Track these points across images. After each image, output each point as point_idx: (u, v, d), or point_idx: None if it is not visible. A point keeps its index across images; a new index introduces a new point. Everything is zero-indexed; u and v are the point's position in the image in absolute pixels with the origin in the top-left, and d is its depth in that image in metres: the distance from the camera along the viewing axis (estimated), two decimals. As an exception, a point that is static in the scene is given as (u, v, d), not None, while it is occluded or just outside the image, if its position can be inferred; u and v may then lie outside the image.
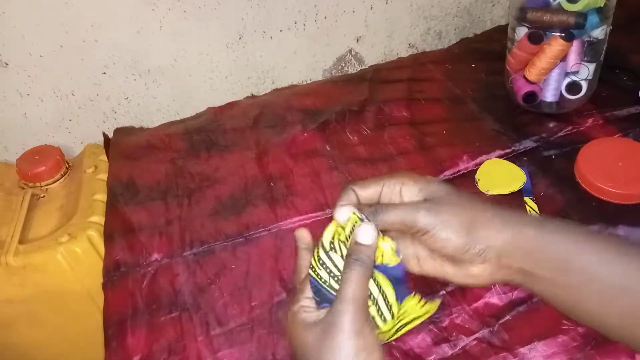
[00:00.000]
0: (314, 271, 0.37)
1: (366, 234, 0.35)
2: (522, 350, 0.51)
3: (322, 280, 0.36)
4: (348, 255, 0.36)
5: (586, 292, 0.34)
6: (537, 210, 0.64)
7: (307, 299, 0.37)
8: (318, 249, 0.38)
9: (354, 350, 0.32)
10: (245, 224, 0.67)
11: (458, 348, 0.52)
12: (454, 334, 0.53)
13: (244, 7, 0.87)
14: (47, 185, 0.82)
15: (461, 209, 0.36)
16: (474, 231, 0.35)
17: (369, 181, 0.39)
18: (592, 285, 0.33)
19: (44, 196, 0.81)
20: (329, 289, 0.36)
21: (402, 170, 0.37)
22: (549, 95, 0.76)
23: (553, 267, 0.34)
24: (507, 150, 0.73)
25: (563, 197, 0.66)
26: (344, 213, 0.37)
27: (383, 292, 0.36)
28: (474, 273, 0.36)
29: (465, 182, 0.70)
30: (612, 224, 0.61)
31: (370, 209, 0.37)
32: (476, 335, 0.53)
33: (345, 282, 0.34)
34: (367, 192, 0.38)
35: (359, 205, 0.38)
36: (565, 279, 0.34)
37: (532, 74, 0.73)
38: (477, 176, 0.70)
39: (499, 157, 0.73)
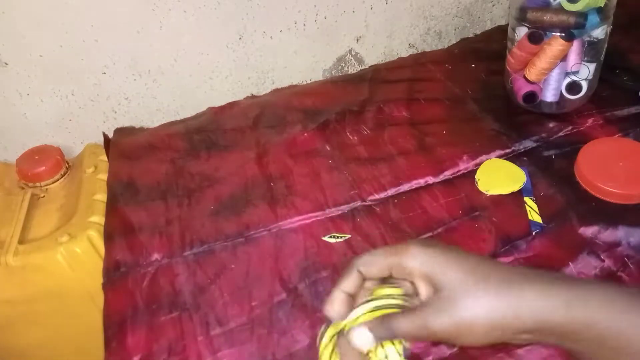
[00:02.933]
0: None
1: (362, 338, 0.34)
2: (520, 351, 0.51)
3: None
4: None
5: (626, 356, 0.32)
6: (537, 210, 0.64)
7: None
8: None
9: None
10: (245, 224, 0.67)
11: (456, 348, 0.52)
12: (454, 334, 0.53)
13: (244, 7, 0.87)
14: (47, 185, 0.82)
15: (479, 295, 0.32)
16: (498, 325, 0.32)
17: (376, 258, 0.35)
18: (627, 356, 0.31)
19: (44, 196, 0.81)
20: None
21: (409, 248, 0.35)
22: (549, 95, 0.76)
23: (584, 342, 0.32)
24: (507, 150, 0.73)
25: (563, 197, 0.66)
26: (363, 337, 0.34)
27: None
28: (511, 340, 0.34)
29: (465, 182, 0.70)
30: (612, 224, 0.61)
31: (381, 327, 0.34)
32: (476, 335, 0.53)
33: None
34: (375, 271, 0.36)
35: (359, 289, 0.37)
36: (598, 352, 0.32)
37: (532, 74, 0.73)
38: (477, 176, 0.70)
39: (499, 157, 0.73)
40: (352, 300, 0.37)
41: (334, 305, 0.35)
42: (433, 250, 0.34)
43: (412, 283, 0.36)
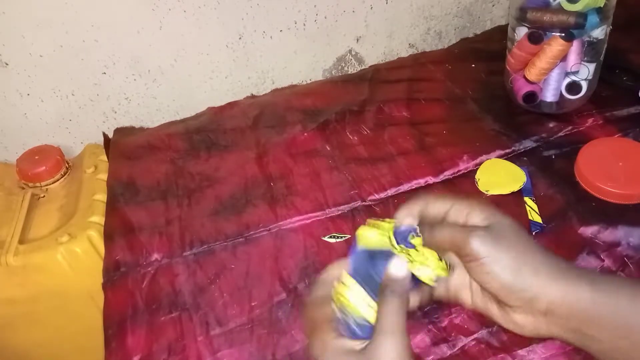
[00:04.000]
0: (341, 302, 0.36)
1: (398, 267, 0.35)
2: (521, 352, 0.51)
3: (351, 311, 0.36)
4: (382, 288, 0.35)
5: None
6: (537, 210, 0.64)
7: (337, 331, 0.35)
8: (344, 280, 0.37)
9: None
10: (245, 224, 0.67)
11: (457, 348, 0.52)
12: (453, 334, 0.53)
13: (244, 7, 0.87)
14: (47, 185, 0.82)
15: (519, 246, 0.33)
16: (524, 274, 0.32)
17: (437, 197, 0.37)
18: None
19: (44, 196, 0.81)
20: (358, 319, 0.35)
21: (474, 198, 0.37)
22: (549, 95, 0.76)
23: (607, 329, 0.32)
24: (507, 150, 0.73)
25: (563, 197, 0.66)
26: (399, 267, 0.36)
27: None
28: (517, 321, 0.34)
29: (465, 182, 0.70)
30: (612, 224, 0.61)
31: (424, 228, 0.36)
32: (475, 335, 0.53)
33: (384, 314, 0.34)
34: (433, 207, 0.37)
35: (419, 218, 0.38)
36: (621, 342, 0.32)
37: (532, 74, 0.73)
38: (477, 176, 0.70)
39: (499, 157, 0.73)
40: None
41: (402, 214, 0.37)
42: (491, 205, 0.36)
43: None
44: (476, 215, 0.35)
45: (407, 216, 0.37)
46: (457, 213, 0.36)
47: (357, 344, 0.34)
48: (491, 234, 0.33)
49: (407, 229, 0.37)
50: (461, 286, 0.38)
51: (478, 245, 0.33)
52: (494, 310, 0.36)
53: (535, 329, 0.34)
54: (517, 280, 0.32)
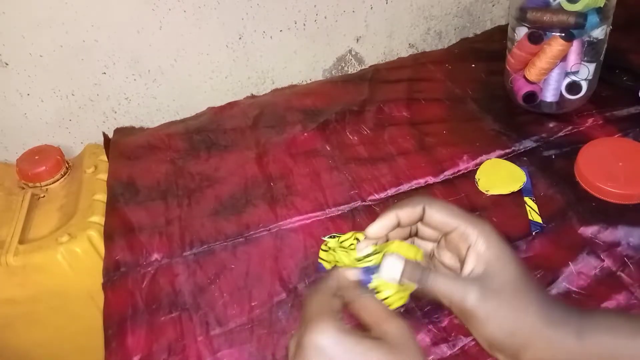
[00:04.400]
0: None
1: (354, 274, 0.35)
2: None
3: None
4: (351, 291, 0.35)
5: None
6: (537, 210, 0.64)
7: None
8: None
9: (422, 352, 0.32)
10: (245, 224, 0.68)
11: (457, 348, 0.52)
12: (453, 334, 0.53)
13: (244, 7, 0.87)
14: (47, 185, 0.82)
15: (516, 306, 0.33)
16: (515, 336, 0.33)
17: (449, 210, 0.35)
18: None
19: (44, 196, 0.81)
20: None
21: (484, 223, 0.34)
22: (549, 95, 0.76)
23: None
24: (507, 150, 0.73)
25: (563, 197, 0.66)
26: (393, 267, 0.35)
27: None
28: (500, 358, 0.35)
29: (465, 182, 0.70)
30: (612, 224, 0.61)
31: (417, 271, 0.34)
32: (476, 335, 0.53)
33: (370, 307, 0.34)
34: (440, 219, 0.35)
35: (402, 230, 0.37)
36: None
37: (532, 74, 0.73)
38: (477, 176, 0.70)
39: (499, 157, 0.73)
40: (398, 230, 0.37)
41: (380, 221, 0.35)
42: (503, 242, 0.34)
43: (459, 257, 0.35)
44: (478, 253, 0.34)
45: (390, 222, 0.35)
46: (461, 239, 0.35)
47: (368, 334, 0.33)
48: (489, 292, 0.33)
49: (365, 278, 0.35)
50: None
51: (474, 306, 0.32)
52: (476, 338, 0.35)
53: None
54: (508, 341, 0.33)
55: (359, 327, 0.34)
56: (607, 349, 0.32)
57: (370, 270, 0.35)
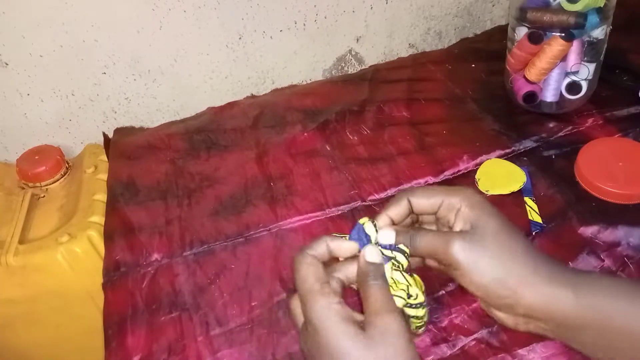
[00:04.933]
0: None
1: (373, 255, 0.35)
2: (521, 351, 0.51)
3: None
4: (363, 277, 0.35)
5: (625, 353, 0.32)
6: (537, 210, 0.64)
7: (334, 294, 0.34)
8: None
9: (410, 357, 0.32)
10: (245, 224, 0.68)
11: (457, 348, 0.52)
12: (453, 334, 0.53)
13: (244, 7, 0.87)
14: (47, 185, 0.82)
15: (502, 253, 0.33)
16: (505, 282, 0.33)
17: (430, 191, 0.37)
18: (631, 347, 0.32)
19: (44, 196, 0.81)
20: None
21: (466, 190, 0.36)
22: (549, 95, 0.76)
23: (589, 330, 0.32)
24: (507, 150, 0.73)
25: (563, 197, 0.66)
26: (387, 236, 0.36)
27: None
28: (499, 316, 0.35)
29: (465, 182, 0.70)
30: (612, 224, 0.61)
31: (405, 235, 0.36)
32: (475, 335, 0.53)
33: (375, 297, 0.34)
34: (425, 202, 0.37)
35: (402, 223, 0.38)
36: (602, 341, 0.32)
37: (532, 74, 0.73)
38: (477, 176, 0.70)
39: (499, 157, 0.73)
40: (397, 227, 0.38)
41: (379, 222, 0.37)
42: (486, 201, 0.36)
43: (447, 223, 0.37)
44: (464, 215, 0.36)
45: (387, 224, 0.37)
46: (448, 210, 0.36)
47: (358, 315, 0.33)
48: (472, 241, 0.34)
49: (384, 245, 0.37)
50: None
51: (458, 255, 0.33)
52: (479, 300, 0.36)
53: (515, 325, 0.35)
54: (497, 288, 0.33)
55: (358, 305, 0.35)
56: (604, 310, 0.32)
57: (367, 238, 0.37)
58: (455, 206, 0.36)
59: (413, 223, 0.40)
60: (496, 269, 0.33)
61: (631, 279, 0.34)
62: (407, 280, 0.36)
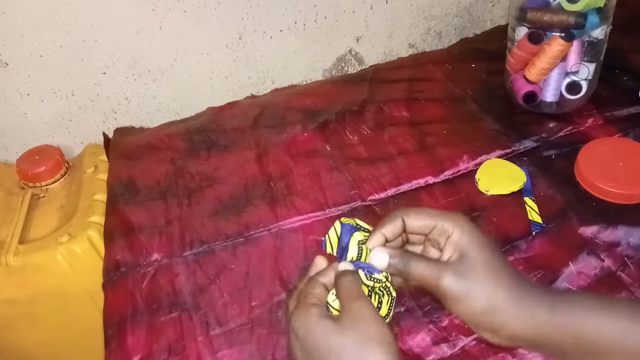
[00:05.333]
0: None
1: (381, 259, 0.38)
2: (521, 350, 0.51)
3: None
4: (337, 273, 0.38)
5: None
6: (537, 210, 0.64)
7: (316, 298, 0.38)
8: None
9: (382, 337, 0.34)
10: (245, 224, 0.67)
11: (457, 348, 0.52)
12: (454, 334, 0.53)
13: (244, 7, 0.87)
14: (47, 185, 0.82)
15: (488, 284, 0.35)
16: (491, 312, 0.35)
17: (423, 213, 0.39)
18: (617, 357, 0.34)
19: (44, 196, 0.81)
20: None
21: (459, 216, 0.38)
22: (549, 95, 0.76)
23: (566, 343, 0.35)
24: (507, 150, 0.73)
25: (563, 197, 0.66)
26: (381, 258, 0.38)
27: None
28: (485, 336, 0.37)
29: (465, 182, 0.70)
30: (612, 224, 0.61)
31: (399, 259, 0.38)
32: (475, 335, 0.53)
33: (345, 286, 0.37)
34: (418, 223, 0.39)
35: (398, 236, 0.40)
36: (580, 353, 0.35)
37: (532, 74, 0.73)
38: (477, 176, 0.70)
39: (499, 157, 0.73)
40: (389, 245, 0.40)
41: (372, 242, 0.39)
42: (476, 228, 0.38)
43: (438, 247, 0.39)
44: (454, 243, 0.37)
45: (380, 242, 0.39)
46: (440, 234, 0.38)
47: (335, 317, 0.36)
48: (462, 274, 0.36)
49: (365, 266, 0.39)
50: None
51: (448, 286, 0.35)
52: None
53: (498, 343, 0.37)
54: (483, 317, 0.35)
55: None
56: (579, 325, 0.34)
57: (360, 265, 0.39)
58: (447, 231, 0.38)
59: (403, 243, 0.42)
60: (483, 301, 0.35)
61: (602, 295, 0.36)
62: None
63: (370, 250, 0.39)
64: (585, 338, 0.34)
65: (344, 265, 0.39)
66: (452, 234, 0.37)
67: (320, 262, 0.41)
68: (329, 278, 0.39)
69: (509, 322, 0.35)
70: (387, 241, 0.40)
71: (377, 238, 0.39)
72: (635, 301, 0.37)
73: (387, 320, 0.39)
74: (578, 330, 0.34)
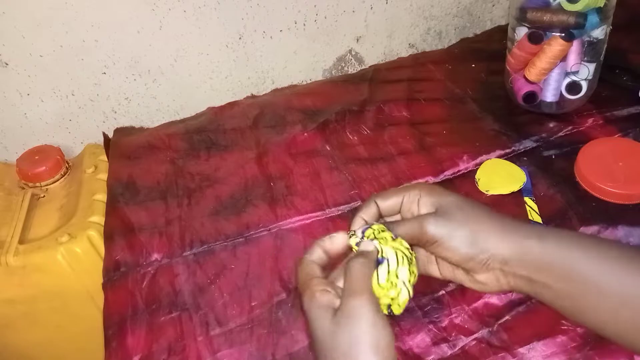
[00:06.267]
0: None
1: (368, 245, 0.38)
2: (521, 350, 0.51)
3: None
4: (352, 259, 0.37)
5: (588, 300, 0.34)
6: (537, 210, 0.64)
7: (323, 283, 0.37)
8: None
9: (374, 340, 0.33)
10: (245, 224, 0.67)
11: (457, 348, 0.52)
12: (453, 334, 0.53)
13: (244, 7, 0.87)
14: (47, 185, 0.82)
15: (468, 219, 0.37)
16: (477, 242, 0.37)
17: (390, 192, 0.41)
18: (593, 294, 0.34)
19: (44, 196, 0.81)
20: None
21: (421, 183, 0.42)
22: (549, 95, 0.76)
23: (555, 275, 0.35)
24: (507, 150, 0.73)
25: (563, 197, 0.66)
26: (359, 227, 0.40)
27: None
28: (482, 280, 0.38)
29: (465, 182, 0.70)
30: (612, 224, 0.61)
31: (382, 226, 0.39)
32: (475, 335, 0.53)
33: (352, 275, 0.35)
34: (388, 203, 0.41)
35: (376, 219, 0.41)
36: (568, 287, 0.35)
37: (532, 74, 0.73)
38: (477, 176, 0.70)
39: (499, 157, 0.73)
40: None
41: (354, 226, 0.41)
42: (442, 187, 0.40)
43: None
44: (425, 201, 0.40)
45: (360, 225, 0.41)
46: (410, 203, 0.40)
47: (337, 301, 0.35)
48: (441, 217, 0.38)
49: (364, 227, 0.39)
50: (428, 262, 0.42)
51: (432, 230, 0.37)
52: (461, 276, 0.40)
53: (498, 283, 0.38)
54: (472, 249, 0.37)
55: None
56: (566, 257, 0.35)
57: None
58: (415, 197, 0.40)
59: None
60: (467, 234, 0.37)
61: (593, 235, 0.37)
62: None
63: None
64: (576, 275, 0.34)
65: (364, 245, 0.38)
66: (421, 196, 0.39)
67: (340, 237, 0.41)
68: (317, 254, 0.39)
69: (498, 248, 0.36)
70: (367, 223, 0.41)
71: (358, 222, 0.41)
72: (626, 245, 0.37)
73: (412, 282, 0.38)
74: (567, 264, 0.35)
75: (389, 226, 0.39)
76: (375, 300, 0.35)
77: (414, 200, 0.40)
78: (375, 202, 0.41)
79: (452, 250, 0.37)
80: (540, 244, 0.36)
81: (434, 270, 0.42)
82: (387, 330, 0.34)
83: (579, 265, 0.35)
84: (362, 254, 0.37)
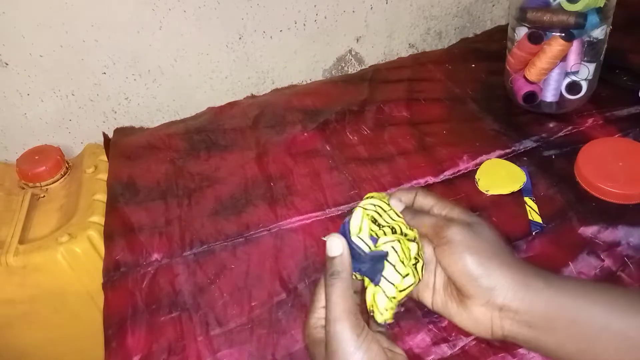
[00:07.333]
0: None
1: (334, 246, 0.37)
2: (521, 350, 0.51)
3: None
4: (325, 273, 0.37)
5: (597, 344, 0.34)
6: (537, 210, 0.64)
7: (319, 311, 0.38)
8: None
9: None
10: (245, 224, 0.67)
11: (457, 348, 0.52)
12: (453, 334, 0.53)
13: (244, 7, 0.87)
14: (47, 185, 0.82)
15: (488, 245, 0.37)
16: (487, 266, 0.36)
17: (432, 193, 0.42)
18: (603, 338, 0.33)
19: (44, 196, 0.81)
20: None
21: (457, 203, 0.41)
22: (549, 95, 0.76)
23: (562, 325, 0.34)
24: (507, 150, 0.73)
25: (563, 197, 0.66)
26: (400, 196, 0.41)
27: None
28: (475, 315, 0.37)
29: (465, 182, 0.70)
30: (612, 224, 0.61)
31: (412, 214, 0.40)
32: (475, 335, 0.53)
33: (330, 301, 0.35)
34: (426, 200, 0.42)
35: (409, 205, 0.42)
36: (575, 331, 0.34)
37: (532, 74, 0.73)
38: (477, 176, 0.70)
39: (499, 157, 0.73)
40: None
41: (392, 203, 0.41)
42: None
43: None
44: (458, 213, 0.39)
45: (397, 200, 0.42)
46: (441, 209, 0.40)
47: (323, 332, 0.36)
48: (470, 229, 0.37)
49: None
50: (423, 287, 0.41)
51: (456, 231, 0.37)
52: (452, 310, 0.38)
53: (489, 325, 0.36)
54: (481, 269, 0.35)
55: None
56: (570, 307, 0.34)
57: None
58: (447, 207, 0.40)
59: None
60: (484, 255, 0.36)
61: (601, 282, 0.36)
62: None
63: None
64: (583, 323, 0.33)
65: (330, 248, 0.37)
66: (456, 209, 0.40)
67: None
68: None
69: (505, 283, 0.35)
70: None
71: (395, 202, 0.41)
72: (636, 292, 0.36)
73: (420, 268, 0.38)
74: (575, 313, 0.34)
75: (411, 214, 0.40)
76: (357, 321, 0.35)
77: (444, 210, 0.40)
78: (416, 193, 0.42)
79: (462, 260, 0.36)
80: (545, 287, 0.35)
81: (427, 297, 0.41)
82: (373, 348, 0.34)
83: (582, 314, 0.34)
84: (334, 269, 0.36)
